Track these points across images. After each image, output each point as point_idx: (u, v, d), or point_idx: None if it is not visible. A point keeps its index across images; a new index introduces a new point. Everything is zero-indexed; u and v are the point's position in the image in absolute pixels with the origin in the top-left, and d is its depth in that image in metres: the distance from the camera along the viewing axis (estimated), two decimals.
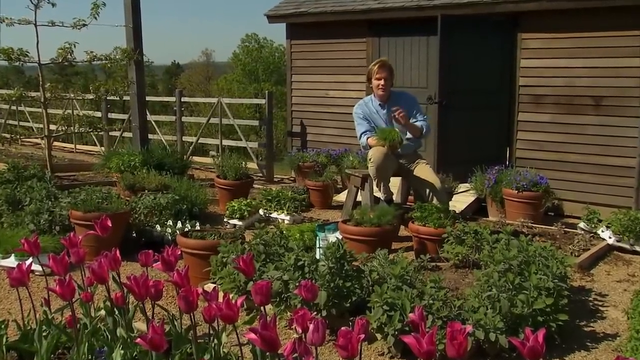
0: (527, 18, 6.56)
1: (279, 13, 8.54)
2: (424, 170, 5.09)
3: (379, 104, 5.16)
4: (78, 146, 11.78)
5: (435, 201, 4.89)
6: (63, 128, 8.31)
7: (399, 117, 4.85)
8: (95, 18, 7.13)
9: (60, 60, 7.24)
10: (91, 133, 9.37)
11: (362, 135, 5.15)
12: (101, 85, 7.83)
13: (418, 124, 5.06)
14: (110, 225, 2.88)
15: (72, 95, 9.12)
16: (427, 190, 4.98)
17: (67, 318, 2.70)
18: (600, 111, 6.23)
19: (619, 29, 6.00)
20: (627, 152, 6.08)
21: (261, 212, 6.07)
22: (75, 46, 7.14)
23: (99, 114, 10.84)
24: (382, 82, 5.06)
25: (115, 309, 2.71)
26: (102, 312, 2.82)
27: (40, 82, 7.32)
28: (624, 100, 6.06)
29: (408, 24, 7.39)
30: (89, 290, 2.75)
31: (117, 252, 2.63)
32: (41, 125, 9.74)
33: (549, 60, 6.48)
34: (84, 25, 7.15)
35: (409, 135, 5.07)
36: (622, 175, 6.13)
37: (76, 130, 8.20)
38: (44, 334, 2.66)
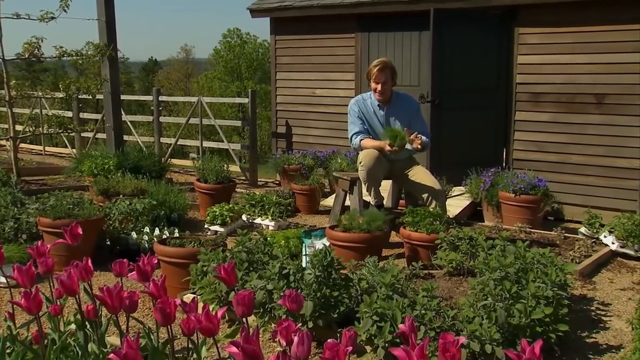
0: (525, 11, 6.61)
1: (263, 7, 8.55)
2: (421, 174, 5.08)
3: (378, 104, 5.15)
4: (47, 148, 11.71)
5: (433, 206, 4.89)
6: (30, 129, 8.25)
7: (416, 143, 4.81)
8: (65, 10, 7.09)
9: (26, 56, 7.20)
10: (61, 134, 9.30)
11: (354, 136, 5.13)
12: (72, 83, 7.80)
13: (423, 138, 4.99)
14: (82, 232, 2.86)
15: (41, 93, 9.09)
16: (426, 195, 4.98)
17: (33, 333, 2.68)
18: (603, 110, 6.29)
19: (622, 22, 6.06)
20: (631, 153, 6.14)
21: (244, 217, 6.07)
22: (42, 41, 7.10)
23: (70, 114, 10.77)
24: (379, 87, 5.01)
25: (86, 323, 2.70)
26: (72, 327, 2.80)
27: (5, 79, 7.26)
28: (628, 98, 6.12)
29: (399, 18, 7.43)
30: (57, 303, 2.73)
31: (89, 261, 2.61)
32: (6, 126, 9.67)
33: (548, 56, 6.54)
34: (53, 18, 7.11)
35: (408, 146, 5.07)
36: (625, 177, 6.19)
37: (45, 131, 8.16)
38: (7, 350, 2.64)
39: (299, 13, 8.18)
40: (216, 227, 5.72)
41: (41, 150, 11.53)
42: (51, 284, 2.80)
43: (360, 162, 4.97)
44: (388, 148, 4.82)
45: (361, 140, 5.08)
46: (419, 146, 4.83)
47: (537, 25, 6.58)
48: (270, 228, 5.92)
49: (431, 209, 4.77)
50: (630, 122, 6.12)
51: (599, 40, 6.23)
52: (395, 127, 5.00)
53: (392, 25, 7.53)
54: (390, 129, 4.92)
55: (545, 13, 6.48)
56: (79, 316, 2.70)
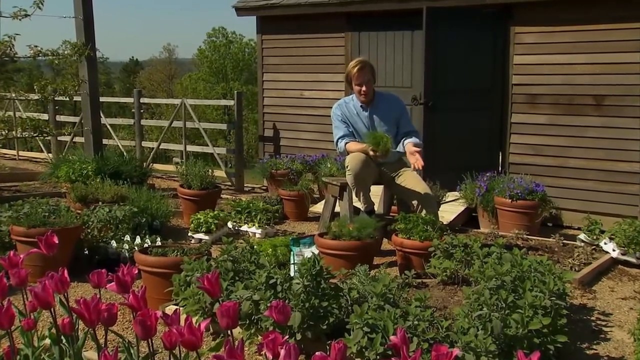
0: (521, 10, 6.66)
1: (249, 5, 8.56)
2: (410, 179, 5.11)
3: (361, 106, 5.18)
4: (21, 153, 11.63)
5: (423, 213, 4.90)
6: (3, 132, 8.19)
7: (418, 165, 4.84)
8: (40, 8, 7.03)
9: None
10: (36, 138, 9.25)
11: (340, 140, 5.16)
12: (48, 84, 7.73)
13: (417, 140, 5.06)
14: (58, 242, 2.84)
15: (14, 95, 9.01)
16: (416, 202, 4.99)
17: (4, 349, 2.65)
18: (603, 111, 6.33)
19: (622, 21, 6.11)
20: (632, 156, 6.19)
21: (230, 225, 6.06)
22: (15, 39, 7.04)
23: (45, 117, 10.71)
24: (363, 88, 5.04)
25: (62, 337, 2.67)
26: (47, 341, 2.78)
27: None
28: (628, 99, 6.17)
29: (390, 17, 7.46)
30: (31, 317, 2.70)
31: (65, 272, 2.59)
32: None
33: (545, 56, 6.59)
34: (26, 15, 7.04)
35: (399, 148, 5.09)
36: (626, 181, 6.23)
37: (19, 135, 8.09)
38: None
39: (286, 11, 8.19)
40: (200, 235, 5.70)
41: (15, 155, 11.45)
42: (24, 296, 2.77)
43: (347, 167, 4.99)
44: (372, 153, 4.84)
45: (346, 143, 5.10)
46: (418, 162, 4.84)
47: (534, 24, 6.63)
48: (257, 236, 5.91)
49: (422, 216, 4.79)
50: (631, 124, 6.16)
51: (598, 40, 6.28)
52: (378, 131, 5.01)
53: (383, 24, 7.56)
54: (373, 133, 4.93)
55: (542, 11, 6.53)
56: (54, 330, 2.68)
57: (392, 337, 2.00)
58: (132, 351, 2.67)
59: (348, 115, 5.18)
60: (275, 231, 6.13)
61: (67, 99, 8.33)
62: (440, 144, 6.84)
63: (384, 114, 5.13)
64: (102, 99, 9.63)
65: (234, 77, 43.98)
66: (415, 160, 4.83)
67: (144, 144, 10.14)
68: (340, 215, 5.28)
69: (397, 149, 5.08)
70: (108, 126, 10.40)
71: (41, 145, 11.29)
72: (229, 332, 2.26)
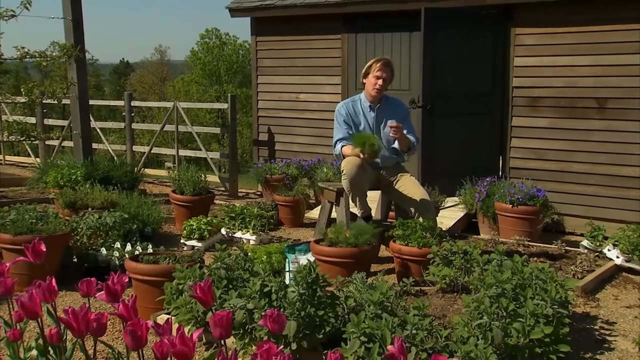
0: (522, 11, 6.69)
1: (243, 6, 8.57)
2: (408, 184, 5.12)
3: (369, 105, 5.21)
4: (7, 157, 11.62)
5: (421, 219, 4.91)
6: None
7: (393, 131, 4.88)
8: (27, 8, 7.02)
9: None
10: (24, 142, 9.24)
11: (337, 143, 5.17)
12: (35, 87, 7.72)
13: (411, 137, 5.12)
14: (45, 249, 2.83)
15: (0, 97, 8.99)
16: (413, 207, 5.00)
17: None
18: (606, 115, 6.35)
19: (626, 22, 6.14)
20: (635, 161, 6.21)
21: (223, 231, 6.06)
22: (1, 40, 7.03)
23: (33, 120, 10.71)
24: (380, 81, 5.09)
25: (49, 348, 2.67)
26: (34, 353, 2.77)
27: None
28: (632, 102, 6.20)
29: (388, 18, 7.48)
30: (17, 327, 2.69)
31: (53, 281, 2.59)
32: None
33: (546, 58, 6.61)
34: (13, 16, 7.04)
35: (395, 144, 5.11)
36: (630, 186, 6.25)
37: (5, 139, 8.08)
38: None
39: (281, 12, 8.20)
40: (193, 242, 5.70)
41: (1, 160, 11.42)
42: (10, 306, 2.76)
43: (342, 171, 4.99)
44: (361, 156, 4.85)
45: (342, 147, 5.11)
46: (396, 134, 4.88)
47: (535, 25, 6.65)
48: (252, 242, 5.91)
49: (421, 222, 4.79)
50: (635, 127, 6.19)
51: (600, 41, 6.31)
52: (382, 133, 5.04)
53: (380, 25, 7.58)
54: (359, 134, 4.96)
55: (543, 12, 6.56)
56: (41, 341, 2.67)
57: (389, 347, 2.00)
58: None
59: (353, 114, 5.19)
60: (270, 238, 6.13)
61: (56, 102, 8.33)
62: (439, 148, 6.85)
63: (390, 117, 5.14)
64: (91, 102, 9.61)
65: (228, 80, 44.06)
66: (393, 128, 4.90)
67: (135, 148, 10.13)
68: (336, 221, 5.28)
69: (394, 145, 5.11)
70: (98, 130, 10.39)
71: (28, 149, 11.28)
72: (222, 342, 2.26)
